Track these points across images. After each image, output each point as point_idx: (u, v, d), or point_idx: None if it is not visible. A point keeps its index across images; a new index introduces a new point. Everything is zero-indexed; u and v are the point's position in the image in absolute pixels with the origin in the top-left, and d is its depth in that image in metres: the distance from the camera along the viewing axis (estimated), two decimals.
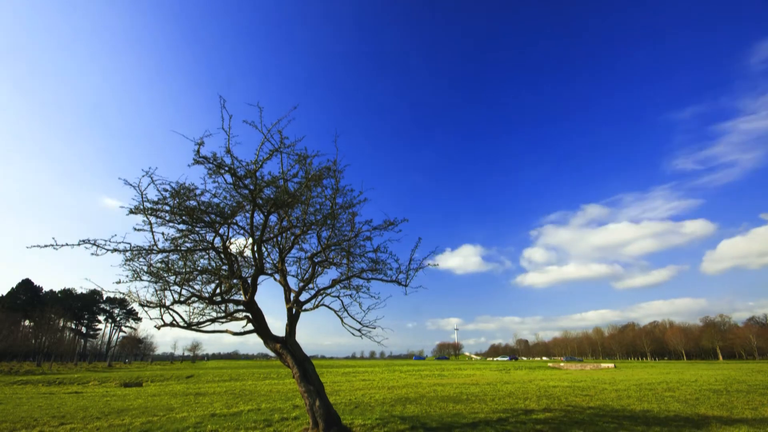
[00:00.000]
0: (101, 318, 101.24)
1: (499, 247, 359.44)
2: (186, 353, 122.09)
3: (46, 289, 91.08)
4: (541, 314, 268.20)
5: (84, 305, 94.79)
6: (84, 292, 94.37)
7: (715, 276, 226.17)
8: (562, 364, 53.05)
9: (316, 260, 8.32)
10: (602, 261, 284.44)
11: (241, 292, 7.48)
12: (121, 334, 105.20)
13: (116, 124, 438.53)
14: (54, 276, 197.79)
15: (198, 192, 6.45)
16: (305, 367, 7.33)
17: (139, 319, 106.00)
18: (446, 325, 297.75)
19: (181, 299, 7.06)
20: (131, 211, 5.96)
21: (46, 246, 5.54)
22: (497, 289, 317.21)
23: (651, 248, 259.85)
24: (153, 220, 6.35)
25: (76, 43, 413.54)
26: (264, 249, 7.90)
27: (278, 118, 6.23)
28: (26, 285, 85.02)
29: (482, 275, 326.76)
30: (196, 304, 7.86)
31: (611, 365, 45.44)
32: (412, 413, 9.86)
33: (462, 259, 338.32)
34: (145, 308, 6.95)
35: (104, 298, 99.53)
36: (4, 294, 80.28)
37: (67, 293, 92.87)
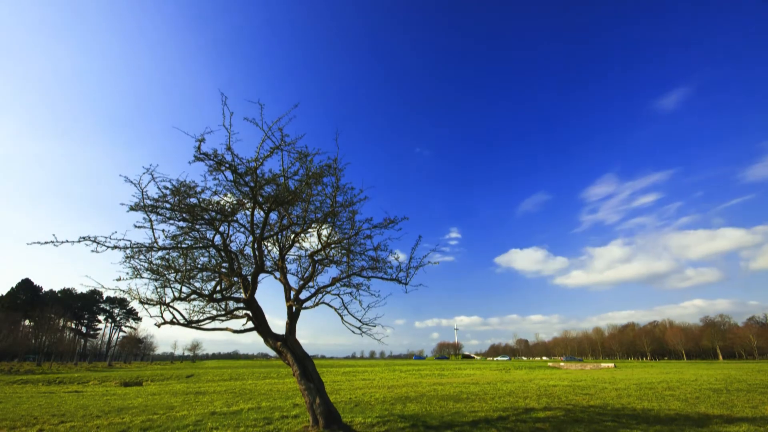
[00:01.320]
0: (101, 318, 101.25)
1: (564, 248, 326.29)
2: (186, 353, 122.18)
3: (45, 288, 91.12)
4: (574, 313, 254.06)
5: (84, 305, 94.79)
6: (84, 291, 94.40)
7: (756, 274, 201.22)
8: (562, 363, 53.04)
9: (316, 258, 8.32)
10: (664, 259, 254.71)
11: (242, 289, 7.49)
12: (121, 333, 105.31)
13: (117, 122, 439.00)
14: (54, 276, 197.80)
15: (198, 189, 6.46)
16: (305, 364, 7.32)
17: (139, 319, 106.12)
18: (459, 324, 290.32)
19: (182, 296, 7.06)
20: (131, 208, 5.96)
21: (46, 243, 5.54)
22: (544, 288, 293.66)
23: (721, 248, 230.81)
24: (153, 217, 6.36)
25: (76, 40, 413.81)
26: (264, 247, 7.90)
27: (279, 116, 6.24)
28: (26, 285, 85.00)
29: (541, 275, 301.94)
30: (196, 302, 7.86)
31: (611, 365, 45.43)
32: (413, 412, 9.85)
33: (523, 260, 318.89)
34: (146, 306, 6.95)
35: (104, 298, 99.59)
36: (4, 294, 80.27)
37: (67, 293, 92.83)
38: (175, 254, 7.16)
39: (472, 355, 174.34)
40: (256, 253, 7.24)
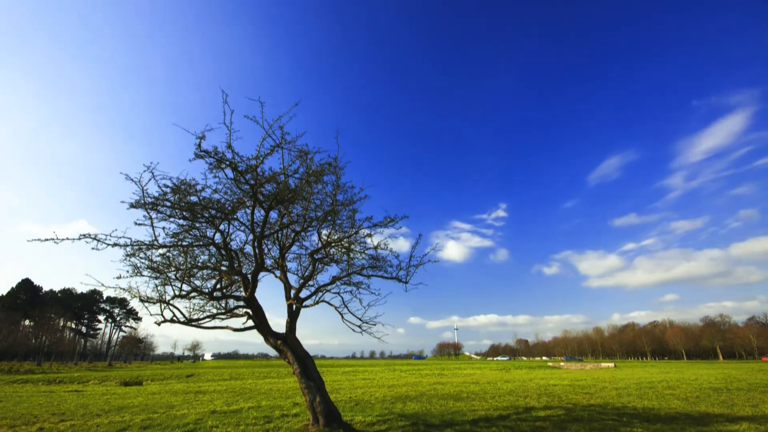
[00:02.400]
0: (101, 318, 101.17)
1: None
2: (186, 353, 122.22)
3: (45, 288, 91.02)
4: (602, 314, 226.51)
5: (84, 305, 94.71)
6: (84, 291, 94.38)
7: None
8: (562, 363, 53.03)
9: (316, 257, 8.32)
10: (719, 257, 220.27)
11: (242, 288, 7.48)
12: (121, 333, 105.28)
13: (117, 120, 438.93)
14: (54, 275, 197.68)
15: (199, 188, 6.45)
16: (305, 363, 7.32)
17: (139, 319, 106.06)
18: (475, 323, 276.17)
19: (182, 294, 7.06)
20: (132, 206, 5.95)
21: (46, 240, 5.53)
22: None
23: None
24: (154, 215, 6.35)
25: (78, 39, 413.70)
26: (264, 245, 7.89)
27: (279, 114, 6.23)
28: (26, 284, 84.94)
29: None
30: (196, 301, 7.86)
31: (611, 365, 45.42)
32: (413, 410, 9.85)
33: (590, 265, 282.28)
34: (146, 304, 6.95)
35: (104, 298, 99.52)
36: (4, 294, 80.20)
37: (67, 293, 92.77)
38: (175, 252, 7.16)
39: (471, 355, 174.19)
40: (257, 251, 7.23)
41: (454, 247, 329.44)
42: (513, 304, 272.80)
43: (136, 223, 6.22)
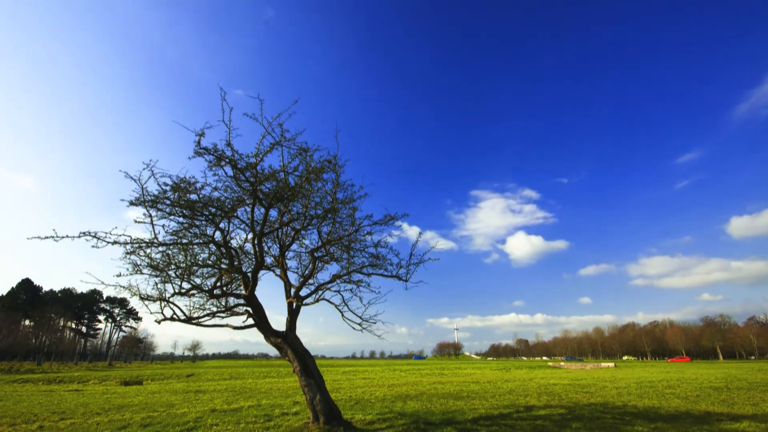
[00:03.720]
0: (101, 318, 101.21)
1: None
2: (186, 353, 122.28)
3: (46, 288, 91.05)
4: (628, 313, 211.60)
5: (84, 305, 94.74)
6: (84, 291, 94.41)
7: None
8: (562, 363, 53.01)
9: (316, 255, 8.31)
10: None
11: (242, 286, 7.47)
12: (121, 333, 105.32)
13: (117, 119, 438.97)
14: (54, 275, 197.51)
15: (198, 185, 6.45)
16: (305, 361, 7.31)
17: (140, 319, 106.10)
18: (491, 323, 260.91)
19: (182, 291, 7.05)
20: (131, 203, 5.95)
21: (46, 237, 5.53)
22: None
23: None
24: (154, 213, 6.35)
25: (77, 37, 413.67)
26: (264, 243, 7.88)
27: (279, 112, 6.22)
28: (26, 284, 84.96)
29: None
30: (196, 299, 7.85)
31: (611, 364, 45.39)
32: (413, 409, 9.84)
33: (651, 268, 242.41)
34: (146, 302, 6.94)
35: (104, 298, 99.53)
36: (5, 293, 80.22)
37: (67, 293, 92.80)
38: (175, 250, 7.15)
39: (472, 355, 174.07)
40: (257, 249, 7.22)
41: (510, 235, 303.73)
42: (537, 303, 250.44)
43: (136, 221, 6.22)
